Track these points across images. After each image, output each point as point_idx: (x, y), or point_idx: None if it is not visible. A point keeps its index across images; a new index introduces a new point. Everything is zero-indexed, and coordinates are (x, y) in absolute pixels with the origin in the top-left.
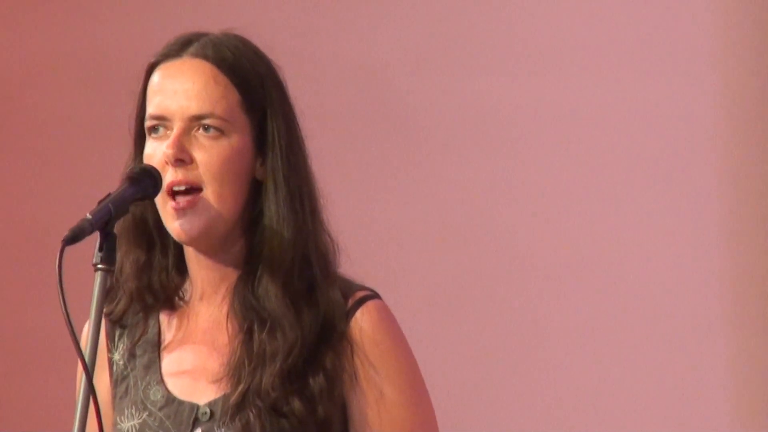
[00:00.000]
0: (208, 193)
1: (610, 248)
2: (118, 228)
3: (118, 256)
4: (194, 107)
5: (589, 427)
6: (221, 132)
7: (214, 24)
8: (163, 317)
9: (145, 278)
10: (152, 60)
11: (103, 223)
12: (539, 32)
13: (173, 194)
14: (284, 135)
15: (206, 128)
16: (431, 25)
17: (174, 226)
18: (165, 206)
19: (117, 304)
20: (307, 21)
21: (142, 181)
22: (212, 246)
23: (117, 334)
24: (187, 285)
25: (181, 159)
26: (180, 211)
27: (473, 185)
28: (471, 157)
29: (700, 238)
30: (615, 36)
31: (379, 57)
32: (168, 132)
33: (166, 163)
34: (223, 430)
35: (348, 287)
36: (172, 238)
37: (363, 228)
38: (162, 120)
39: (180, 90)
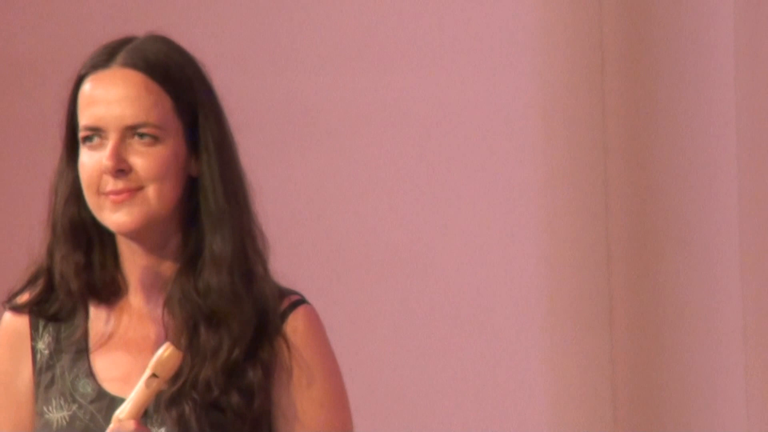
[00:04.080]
0: (148, 191)
1: (431, 243)
2: (50, 231)
3: (57, 259)
4: (128, 117)
5: (404, 420)
6: (156, 138)
7: (70, 29)
8: (93, 309)
9: (84, 277)
10: (81, 71)
11: None
12: (363, 31)
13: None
14: (215, 134)
15: (141, 136)
16: (262, 26)
17: (113, 218)
18: (100, 202)
19: (52, 305)
20: (148, 24)
21: None
22: (149, 239)
23: (41, 324)
24: (119, 279)
25: (121, 169)
26: (119, 204)
27: (298, 181)
28: (295, 152)
29: (521, 232)
30: (438, 36)
31: (211, 56)
32: (103, 141)
33: (105, 173)
34: (156, 426)
35: (280, 288)
36: (109, 238)
37: None
38: (96, 130)
39: (113, 101)
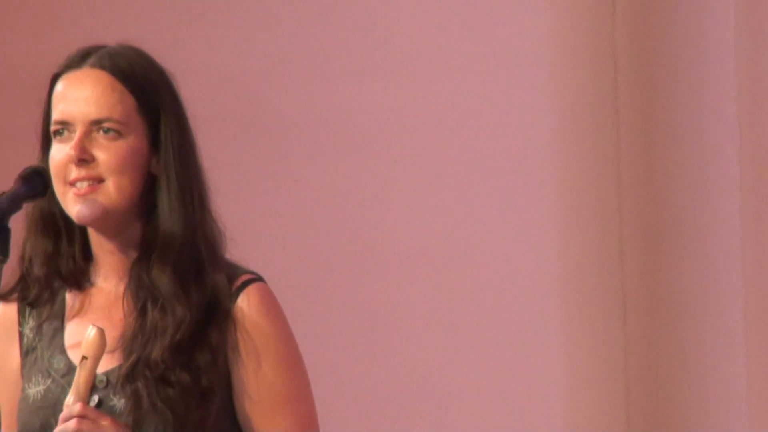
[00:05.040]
0: (109, 183)
1: (453, 241)
2: (25, 222)
3: (27, 247)
4: (93, 112)
5: (431, 412)
6: (118, 133)
7: (110, 38)
8: (69, 295)
9: (53, 265)
10: (56, 71)
11: None
12: (389, 45)
13: (74, 185)
14: (176, 134)
15: (105, 130)
16: (295, 39)
17: (75, 209)
18: (66, 194)
19: (29, 291)
20: (187, 37)
21: (33, 180)
22: (110, 230)
23: (27, 311)
24: (94, 268)
25: (84, 159)
26: (81, 197)
27: (333, 181)
28: (330, 155)
29: (538, 232)
30: (459, 47)
31: (249, 68)
32: (71, 135)
33: (70, 162)
34: (116, 397)
35: (234, 271)
36: (78, 228)
37: (235, 220)
38: (65, 124)
39: (80, 97)
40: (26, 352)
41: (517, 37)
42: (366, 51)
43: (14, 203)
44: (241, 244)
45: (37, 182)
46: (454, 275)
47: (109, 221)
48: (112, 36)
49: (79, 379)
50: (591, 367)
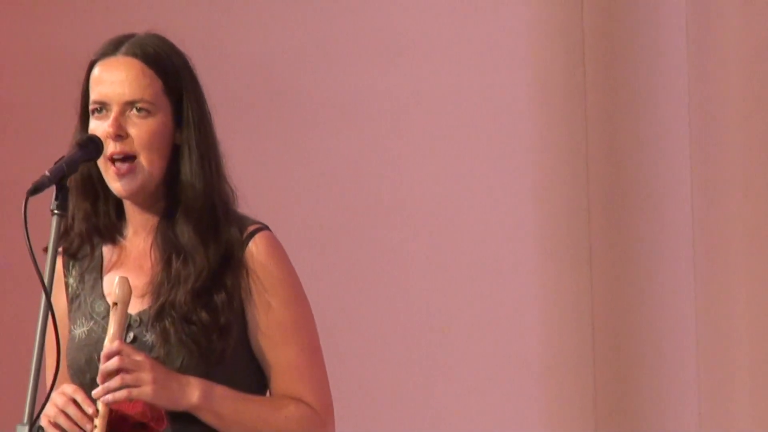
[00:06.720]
0: (141, 159)
1: (443, 201)
2: (70, 184)
3: (71, 206)
4: (128, 94)
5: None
6: (149, 112)
7: (139, 26)
8: (106, 249)
9: (92, 221)
10: (93, 58)
11: (59, 178)
12: (394, 35)
13: (113, 161)
14: (196, 111)
15: (138, 109)
16: (311, 27)
17: (116, 186)
18: (108, 170)
19: (72, 243)
20: (211, 24)
21: (88, 146)
22: (144, 198)
23: (71, 263)
24: (125, 224)
25: (119, 134)
26: (120, 175)
27: (342, 155)
28: (340, 133)
29: (516, 215)
30: (448, 42)
31: (268, 53)
32: (108, 113)
33: (107, 137)
34: (148, 333)
35: (243, 222)
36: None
37: (256, 187)
38: (103, 104)
39: (116, 81)
40: (72, 299)
41: (498, 36)
42: (371, 42)
43: (72, 166)
44: (258, 206)
45: (91, 148)
46: (442, 231)
47: (144, 192)
48: (143, 22)
49: (113, 321)
50: (561, 311)
